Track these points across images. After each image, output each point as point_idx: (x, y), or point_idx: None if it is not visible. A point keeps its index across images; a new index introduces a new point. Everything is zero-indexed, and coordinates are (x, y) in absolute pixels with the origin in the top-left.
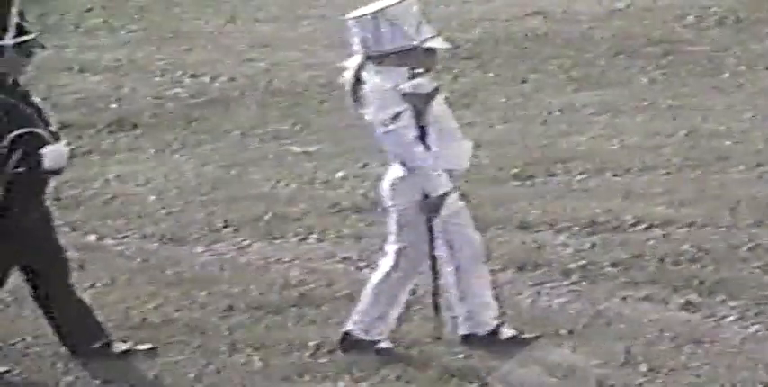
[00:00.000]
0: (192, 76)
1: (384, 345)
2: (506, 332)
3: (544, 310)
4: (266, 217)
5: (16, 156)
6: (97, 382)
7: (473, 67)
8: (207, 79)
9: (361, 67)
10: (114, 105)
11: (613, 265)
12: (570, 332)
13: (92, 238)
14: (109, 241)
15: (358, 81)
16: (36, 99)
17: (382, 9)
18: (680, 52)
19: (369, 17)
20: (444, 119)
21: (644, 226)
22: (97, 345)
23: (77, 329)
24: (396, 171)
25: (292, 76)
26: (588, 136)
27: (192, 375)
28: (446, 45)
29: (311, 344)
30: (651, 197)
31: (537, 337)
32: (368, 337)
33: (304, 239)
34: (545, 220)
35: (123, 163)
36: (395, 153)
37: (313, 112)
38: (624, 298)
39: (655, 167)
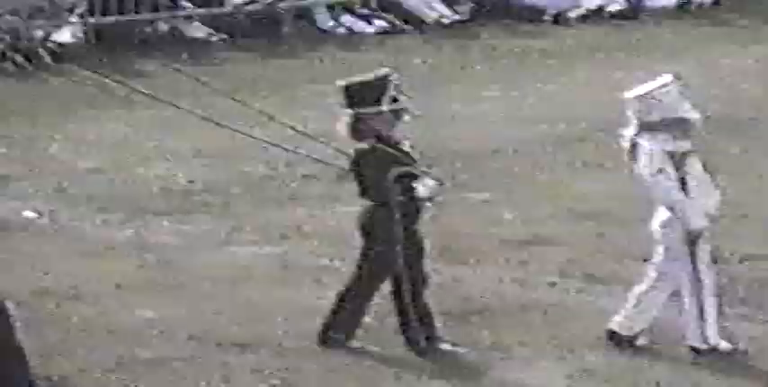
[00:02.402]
0: None
1: (641, 341)
2: (725, 345)
3: None
4: (454, 247)
5: (397, 189)
6: None
7: None
8: None
9: (636, 133)
10: None
11: None
12: None
13: (325, 261)
14: (338, 264)
15: (634, 144)
16: (407, 146)
17: (651, 90)
18: None
19: (642, 96)
20: (698, 172)
21: None
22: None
23: (423, 331)
24: (662, 213)
25: (472, 141)
26: None
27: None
28: (698, 116)
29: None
30: None
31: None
32: (629, 334)
33: (481, 265)
34: None
35: None
36: (661, 199)
37: (486, 170)
38: None
39: None
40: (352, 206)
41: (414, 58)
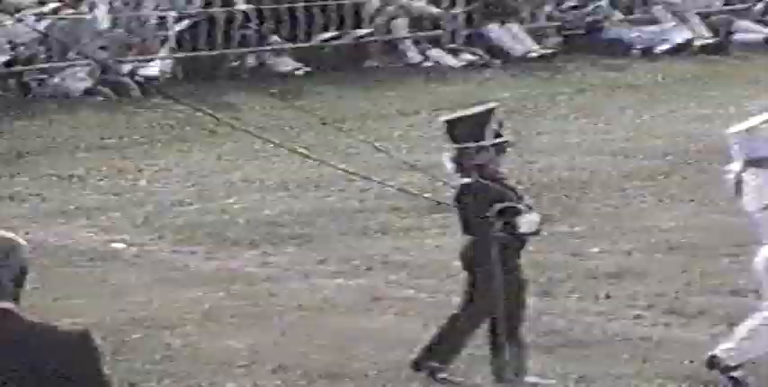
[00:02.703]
0: None
1: (739, 373)
2: None
3: None
4: (541, 280)
5: (499, 224)
6: None
7: None
8: None
9: (742, 169)
10: None
11: None
12: None
13: (410, 292)
14: (424, 295)
15: (739, 180)
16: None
17: (755, 126)
18: None
19: (746, 131)
20: None
21: None
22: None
23: (513, 363)
24: None
25: (558, 174)
26: None
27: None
28: None
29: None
30: None
31: None
32: (730, 364)
33: (568, 297)
34: None
35: None
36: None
37: (573, 202)
38: None
39: None
40: (438, 239)
41: (500, 91)
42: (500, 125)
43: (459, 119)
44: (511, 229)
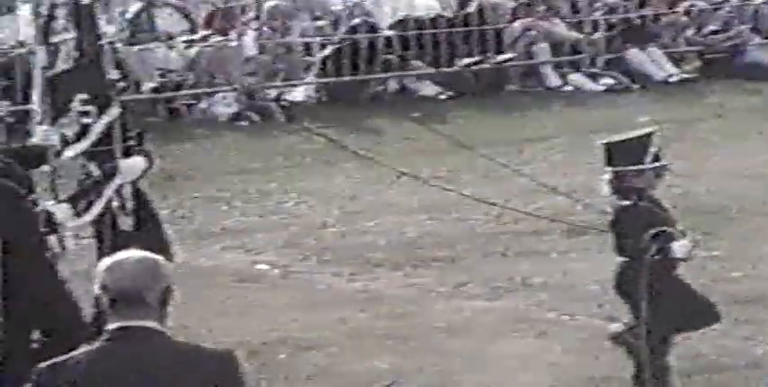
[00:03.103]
0: None
1: None
2: None
3: None
4: None
5: (653, 248)
6: None
7: None
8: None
9: None
10: None
11: None
12: None
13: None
14: (565, 318)
15: None
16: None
17: None
18: None
19: None
20: None
21: None
22: None
23: None
24: None
25: (698, 198)
26: None
27: None
28: None
29: None
30: None
31: None
32: None
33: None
34: None
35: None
36: None
37: (715, 226)
38: None
39: None
40: (578, 262)
41: (640, 115)
42: (659, 149)
43: (619, 142)
44: (665, 254)
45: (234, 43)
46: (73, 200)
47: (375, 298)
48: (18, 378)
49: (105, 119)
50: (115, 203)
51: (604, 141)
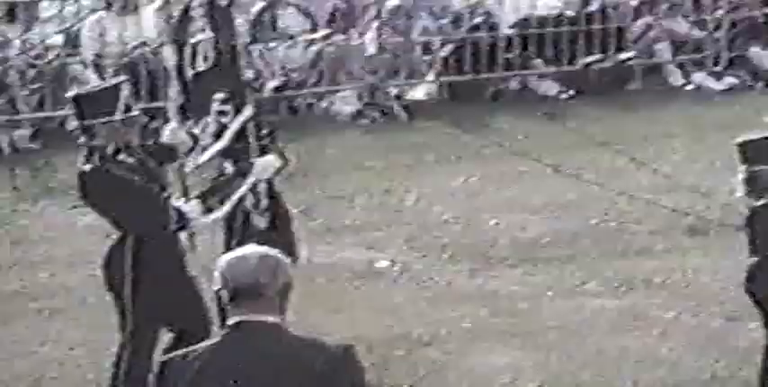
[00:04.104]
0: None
1: None
2: None
3: None
4: None
5: None
6: None
7: None
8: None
9: None
10: None
11: None
12: None
13: (671, 314)
14: (685, 317)
15: None
16: None
17: None
18: None
19: None
20: None
21: None
22: None
23: None
24: None
25: None
26: None
27: None
28: None
29: None
30: None
31: None
32: None
33: None
34: None
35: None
36: None
37: None
38: None
39: None
40: (699, 260)
41: (764, 115)
42: None
43: (754, 141)
44: None
45: (355, 42)
46: (204, 197)
47: (494, 295)
48: (146, 373)
49: (241, 118)
50: (249, 201)
51: (738, 140)
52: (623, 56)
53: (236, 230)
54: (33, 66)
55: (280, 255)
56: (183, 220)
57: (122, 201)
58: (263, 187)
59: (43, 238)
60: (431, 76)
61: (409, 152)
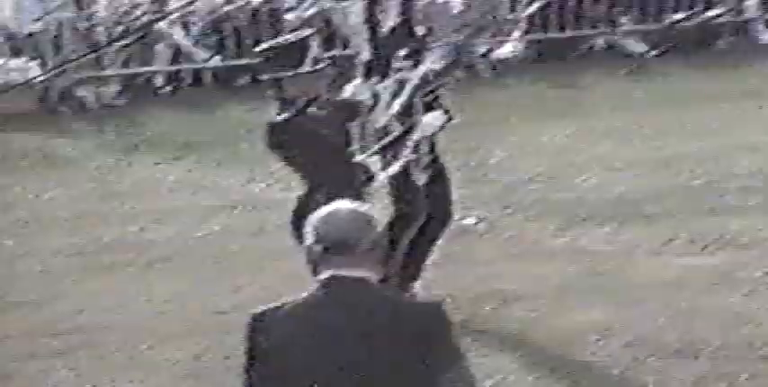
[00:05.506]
0: None
1: None
2: None
3: None
4: None
5: None
6: None
7: None
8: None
9: None
10: None
11: None
12: None
13: (759, 273)
14: None
15: None
16: None
17: None
18: None
19: None
20: None
21: None
22: None
23: None
24: None
25: None
26: None
27: None
28: None
29: None
30: None
31: None
32: None
33: None
34: None
35: None
36: None
37: None
38: None
39: None
40: None
41: None
42: None
43: None
44: None
45: (442, 0)
46: (380, 153)
47: (581, 253)
48: None
49: (418, 74)
50: (411, 157)
51: None
52: (710, 13)
53: (399, 187)
54: (120, 23)
55: (372, 210)
56: (367, 175)
57: (310, 155)
58: (425, 144)
59: (131, 194)
60: (516, 34)
61: (495, 110)
